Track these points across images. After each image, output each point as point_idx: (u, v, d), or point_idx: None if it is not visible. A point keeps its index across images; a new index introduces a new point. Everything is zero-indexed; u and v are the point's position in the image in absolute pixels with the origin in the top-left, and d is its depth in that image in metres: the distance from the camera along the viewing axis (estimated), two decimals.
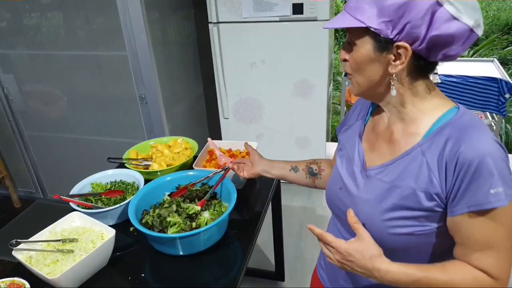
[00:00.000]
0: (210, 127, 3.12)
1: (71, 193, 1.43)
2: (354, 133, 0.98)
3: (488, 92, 2.27)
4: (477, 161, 0.72)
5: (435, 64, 0.80)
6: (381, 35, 0.75)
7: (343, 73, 2.83)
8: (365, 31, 0.76)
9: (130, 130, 2.45)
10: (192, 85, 2.83)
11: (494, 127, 2.48)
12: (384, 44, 0.76)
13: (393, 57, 0.77)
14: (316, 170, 1.18)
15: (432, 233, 0.81)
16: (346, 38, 0.84)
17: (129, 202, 1.30)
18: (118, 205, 1.34)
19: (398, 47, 0.75)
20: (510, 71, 5.57)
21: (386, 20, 0.73)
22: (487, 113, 2.60)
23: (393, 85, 0.80)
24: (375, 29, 0.74)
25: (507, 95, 2.22)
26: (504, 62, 5.97)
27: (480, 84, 2.27)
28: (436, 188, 0.77)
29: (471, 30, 0.72)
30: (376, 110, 0.96)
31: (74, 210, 1.34)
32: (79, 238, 1.20)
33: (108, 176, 1.54)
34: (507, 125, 4.04)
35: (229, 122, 2.73)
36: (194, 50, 2.80)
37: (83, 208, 1.36)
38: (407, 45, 0.74)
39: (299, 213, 2.62)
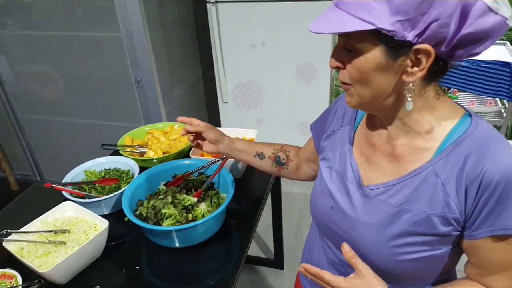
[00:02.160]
0: (209, 111, 3.06)
1: (63, 181, 1.38)
2: (341, 141, 0.84)
3: (499, 77, 2.16)
4: (504, 182, 0.63)
5: (451, 64, 0.67)
6: (396, 38, 0.59)
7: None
8: (371, 33, 0.60)
9: (127, 114, 2.39)
10: (191, 66, 2.75)
11: (504, 114, 2.41)
12: (399, 48, 0.61)
13: (410, 63, 0.62)
14: (284, 160, 1.08)
15: (445, 254, 0.73)
16: (339, 42, 0.68)
17: (123, 191, 1.26)
18: (112, 194, 1.30)
19: (418, 51, 0.61)
20: None
21: (403, 18, 0.57)
22: (497, 99, 2.52)
23: (410, 97, 0.66)
24: (388, 31, 0.59)
25: None
26: None
27: (491, 68, 2.16)
28: (454, 213, 0.68)
29: (505, 22, 0.59)
30: (367, 115, 0.83)
31: (67, 198, 1.30)
32: (72, 229, 1.16)
33: (102, 163, 1.49)
34: None
35: (228, 106, 2.67)
36: (193, 31, 2.71)
37: (76, 197, 1.32)
38: (430, 48, 0.60)
39: (299, 200, 2.59)
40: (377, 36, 0.61)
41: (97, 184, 1.41)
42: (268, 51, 2.41)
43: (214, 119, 2.86)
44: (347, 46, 0.65)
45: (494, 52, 2.56)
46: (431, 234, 0.70)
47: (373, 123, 0.80)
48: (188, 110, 2.75)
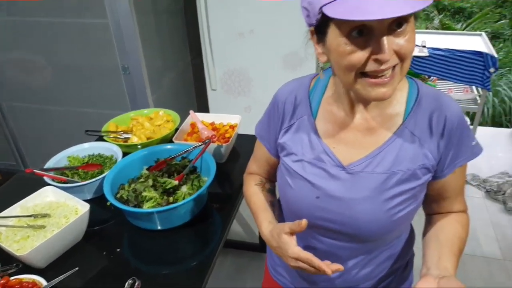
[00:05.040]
0: (198, 98, 3.05)
1: (45, 166, 1.38)
2: (303, 132, 0.84)
3: (473, 66, 2.25)
4: (460, 123, 0.76)
5: None
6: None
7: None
8: None
9: (114, 102, 2.37)
10: (180, 54, 2.74)
11: (479, 101, 2.45)
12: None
13: None
14: (272, 186, 1.04)
15: (421, 199, 0.83)
16: (380, 26, 0.61)
17: (105, 176, 1.26)
18: (95, 179, 1.30)
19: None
20: (501, 44, 5.51)
21: None
22: (473, 87, 2.57)
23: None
24: None
25: (491, 70, 2.19)
26: (496, 36, 5.91)
27: (466, 57, 2.24)
28: (431, 161, 0.77)
29: None
30: (324, 100, 0.84)
31: (49, 184, 1.30)
32: (52, 213, 1.16)
33: (85, 149, 1.49)
34: (494, 98, 4.03)
35: (217, 94, 2.66)
36: (182, 18, 2.70)
37: (58, 182, 1.32)
38: None
39: None
40: None
41: (80, 170, 1.40)
42: (256, 40, 2.40)
43: (202, 106, 2.85)
44: (402, 21, 0.62)
45: (470, 42, 2.63)
46: (416, 186, 0.78)
47: (334, 105, 0.82)
48: (176, 97, 2.74)
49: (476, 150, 0.80)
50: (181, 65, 2.78)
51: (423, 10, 7.25)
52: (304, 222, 0.75)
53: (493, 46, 5.49)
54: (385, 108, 0.78)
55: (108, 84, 2.33)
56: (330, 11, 0.60)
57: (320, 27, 0.68)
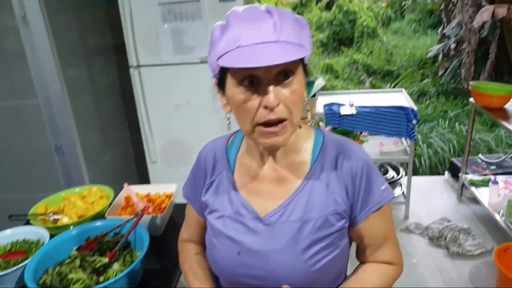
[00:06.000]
0: (139, 172, 2.99)
1: None
2: (223, 188, 0.87)
3: (398, 119, 2.44)
4: (366, 168, 0.79)
5: None
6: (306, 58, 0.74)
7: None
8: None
9: (47, 184, 2.26)
10: (117, 131, 2.72)
11: (408, 151, 2.62)
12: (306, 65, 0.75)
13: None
14: None
15: (344, 248, 0.83)
16: (264, 78, 0.69)
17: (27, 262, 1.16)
18: (15, 267, 1.19)
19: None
20: (428, 101, 6.04)
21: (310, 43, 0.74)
22: (402, 139, 2.77)
23: (309, 110, 0.80)
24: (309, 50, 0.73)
25: (413, 121, 2.39)
26: (423, 94, 6.50)
27: (390, 112, 2.44)
28: (342, 206, 0.78)
29: None
30: (240, 155, 0.88)
31: None
32: None
33: (7, 236, 1.37)
34: (429, 150, 4.30)
35: (158, 166, 2.64)
36: (118, 95, 2.72)
37: None
38: None
39: None
40: (301, 59, 0.72)
41: (1, 260, 1.28)
42: (193, 110, 2.46)
43: (144, 180, 2.79)
44: (288, 73, 0.70)
45: (392, 98, 2.90)
46: (331, 233, 0.78)
47: (247, 158, 0.86)
48: (116, 172, 2.67)
49: (386, 194, 0.80)
50: (121, 140, 2.76)
51: (354, 73, 7.79)
52: None
53: (421, 103, 5.97)
54: (292, 158, 0.81)
55: (41, 165, 2.24)
56: (222, 61, 0.68)
57: (221, 78, 0.76)
